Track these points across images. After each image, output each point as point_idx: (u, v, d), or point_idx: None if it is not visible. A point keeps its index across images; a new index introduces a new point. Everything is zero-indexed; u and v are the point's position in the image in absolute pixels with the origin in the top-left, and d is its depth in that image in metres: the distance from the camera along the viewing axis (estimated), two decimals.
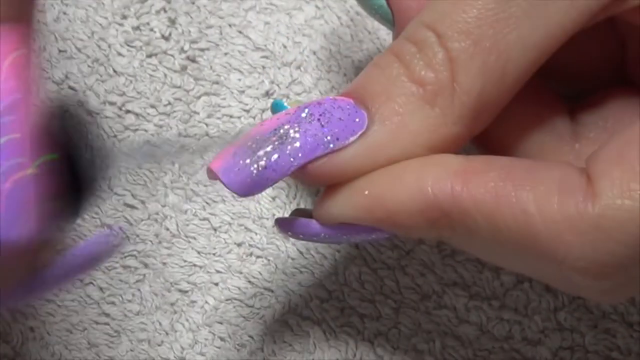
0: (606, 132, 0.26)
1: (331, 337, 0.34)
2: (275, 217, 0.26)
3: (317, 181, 0.24)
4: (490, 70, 0.23)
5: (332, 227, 0.25)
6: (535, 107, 0.27)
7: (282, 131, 0.24)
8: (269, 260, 0.34)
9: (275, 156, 0.23)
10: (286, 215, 0.35)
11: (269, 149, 0.23)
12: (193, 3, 0.36)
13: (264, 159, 0.23)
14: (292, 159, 0.23)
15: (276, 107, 0.26)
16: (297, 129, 0.24)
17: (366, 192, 0.24)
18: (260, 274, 0.34)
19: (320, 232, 0.25)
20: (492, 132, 0.25)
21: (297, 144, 0.23)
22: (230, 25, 0.36)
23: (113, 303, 0.34)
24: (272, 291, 0.34)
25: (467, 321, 0.33)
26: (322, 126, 0.24)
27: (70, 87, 0.36)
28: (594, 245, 0.22)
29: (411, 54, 0.24)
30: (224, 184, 0.23)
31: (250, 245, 0.34)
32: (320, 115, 0.24)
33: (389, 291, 0.34)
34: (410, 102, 0.24)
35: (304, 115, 0.24)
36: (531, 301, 0.33)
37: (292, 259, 0.34)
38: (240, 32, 0.36)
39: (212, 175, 0.24)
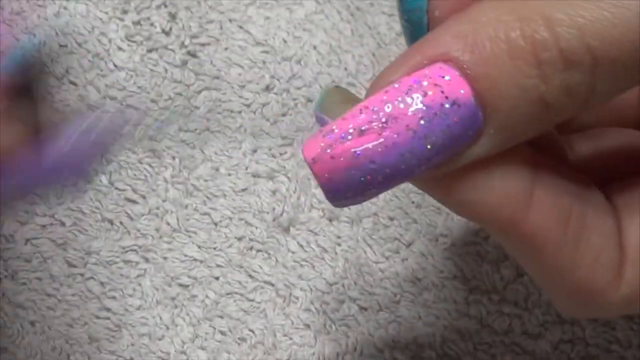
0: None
1: (331, 331, 0.34)
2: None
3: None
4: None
5: None
6: None
7: (396, 163, 0.21)
8: (269, 254, 0.34)
9: (376, 187, 0.21)
10: (286, 209, 0.35)
11: (373, 183, 0.21)
12: None
13: (366, 190, 0.21)
14: (391, 187, 0.21)
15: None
16: (410, 161, 0.21)
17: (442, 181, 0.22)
18: (261, 267, 0.34)
19: None
20: None
21: (402, 176, 0.21)
22: (230, 20, 0.36)
23: (114, 297, 0.34)
24: (273, 285, 0.34)
25: (467, 315, 0.33)
26: (436, 152, 0.21)
27: (71, 82, 0.36)
28: (602, 314, 0.24)
29: (556, 68, 0.20)
30: (324, 193, 0.21)
31: (251, 239, 0.35)
32: (440, 136, 0.21)
33: (389, 284, 0.34)
34: (531, 123, 0.21)
35: (423, 139, 0.21)
36: (531, 294, 0.33)
37: (292, 252, 0.34)
38: (240, 26, 0.36)
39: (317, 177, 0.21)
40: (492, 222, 0.22)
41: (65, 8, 0.36)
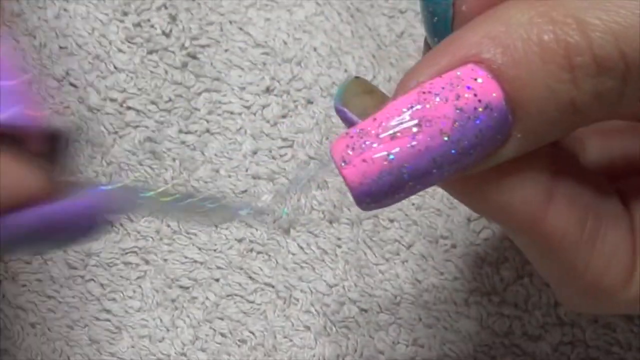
0: None
1: (332, 332, 0.34)
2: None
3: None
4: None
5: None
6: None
7: (428, 168, 0.20)
8: (269, 255, 0.34)
9: (405, 192, 0.21)
10: (287, 211, 0.35)
11: (402, 188, 0.21)
12: (193, 0, 0.36)
13: (394, 193, 0.21)
14: (422, 189, 0.21)
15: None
16: (442, 165, 0.20)
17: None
18: (261, 269, 0.34)
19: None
20: None
21: (433, 180, 0.21)
22: (230, 22, 0.36)
23: (114, 299, 0.34)
24: (273, 286, 0.34)
25: (468, 316, 0.33)
26: (467, 156, 0.20)
27: (71, 84, 0.36)
28: (602, 311, 0.24)
29: (585, 73, 0.20)
30: (353, 197, 0.21)
31: (251, 241, 0.35)
32: (472, 143, 0.20)
33: (389, 286, 0.34)
34: (558, 127, 0.21)
35: (456, 143, 0.20)
36: (531, 296, 0.33)
37: (293, 254, 0.34)
38: (240, 28, 0.36)
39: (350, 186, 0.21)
40: (513, 222, 0.22)
41: (65, 10, 0.36)
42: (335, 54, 0.36)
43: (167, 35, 0.36)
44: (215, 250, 0.35)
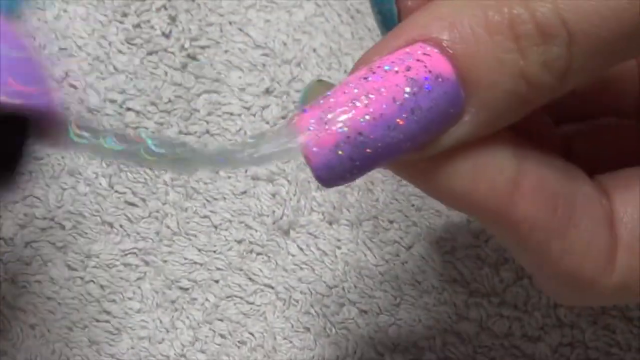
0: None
1: (331, 334, 0.34)
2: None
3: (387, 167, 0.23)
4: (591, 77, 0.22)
5: None
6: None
7: (383, 135, 0.21)
8: (269, 257, 0.34)
9: (365, 164, 0.21)
10: (286, 212, 0.35)
11: (361, 158, 0.21)
12: (193, 1, 0.36)
13: (355, 165, 0.21)
14: (384, 161, 0.21)
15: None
16: (398, 133, 0.21)
17: (423, 167, 0.22)
18: (261, 270, 0.34)
19: None
20: None
21: (391, 151, 0.21)
22: (230, 23, 0.36)
23: (114, 301, 0.34)
24: (273, 288, 0.34)
25: (467, 318, 0.33)
26: (423, 127, 0.21)
27: (71, 85, 0.36)
28: (592, 302, 0.24)
29: (533, 42, 0.20)
30: (313, 170, 0.21)
31: (251, 242, 0.35)
32: (427, 110, 0.21)
33: (389, 287, 0.34)
34: (514, 100, 0.21)
35: (410, 111, 0.21)
36: (531, 297, 0.33)
37: (292, 255, 0.34)
38: (240, 29, 0.36)
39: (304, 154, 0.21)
40: (479, 211, 0.22)
41: (65, 11, 0.36)
42: (335, 55, 0.36)
43: (166, 36, 0.36)
44: (214, 251, 0.35)
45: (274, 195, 0.35)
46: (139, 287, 0.34)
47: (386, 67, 0.21)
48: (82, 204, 0.35)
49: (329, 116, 0.21)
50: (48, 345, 0.34)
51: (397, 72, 0.21)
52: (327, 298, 0.34)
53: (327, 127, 0.21)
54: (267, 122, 0.35)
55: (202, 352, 0.34)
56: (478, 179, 0.22)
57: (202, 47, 0.36)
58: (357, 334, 0.34)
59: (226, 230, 0.35)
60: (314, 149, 0.21)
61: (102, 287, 0.34)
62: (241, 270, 0.34)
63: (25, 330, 0.34)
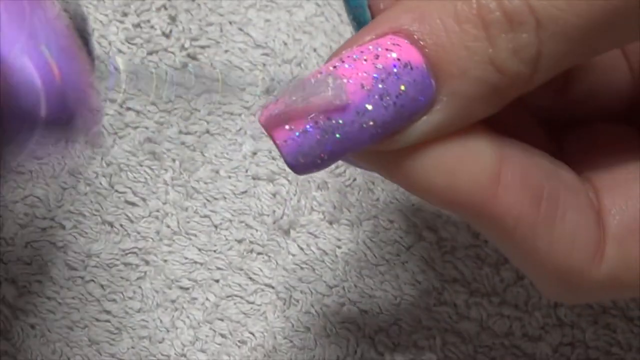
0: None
1: (332, 334, 0.34)
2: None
3: (360, 159, 0.23)
4: (566, 68, 0.22)
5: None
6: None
7: (353, 120, 0.21)
8: (269, 256, 0.34)
9: (337, 150, 0.21)
10: (287, 212, 0.35)
11: (331, 143, 0.21)
12: (193, 0, 0.36)
13: (326, 151, 0.21)
14: (349, 151, 0.22)
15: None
16: (367, 119, 0.21)
17: (401, 163, 0.22)
18: (261, 270, 0.34)
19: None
20: None
21: (363, 138, 0.21)
22: (230, 23, 0.36)
23: (114, 300, 0.34)
24: (273, 287, 0.34)
25: (468, 317, 0.33)
26: (394, 113, 0.21)
27: None
28: (584, 298, 0.23)
29: (501, 29, 0.21)
30: (282, 155, 0.22)
31: (251, 242, 0.35)
32: (397, 97, 0.21)
33: (389, 287, 0.34)
34: (485, 88, 0.21)
35: (379, 98, 0.21)
36: (531, 297, 0.33)
37: (293, 255, 0.34)
38: (240, 29, 0.36)
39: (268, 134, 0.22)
40: (460, 205, 0.22)
41: (65, 11, 0.36)
42: None
43: (167, 36, 0.36)
44: (215, 251, 0.35)
45: (274, 194, 0.35)
46: (139, 287, 0.34)
47: (355, 56, 0.21)
48: (82, 203, 0.35)
49: (296, 102, 0.21)
50: (48, 345, 0.34)
51: (365, 60, 0.21)
52: (328, 298, 0.34)
53: (294, 112, 0.21)
54: None
55: (203, 351, 0.34)
56: (458, 172, 0.22)
57: (202, 47, 0.36)
58: (357, 334, 0.34)
59: (226, 229, 0.35)
60: (284, 132, 0.21)
61: (102, 286, 0.34)
62: (241, 269, 0.34)
63: (25, 330, 0.34)
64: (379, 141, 0.21)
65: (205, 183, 0.35)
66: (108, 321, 0.34)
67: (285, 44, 0.36)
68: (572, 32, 0.20)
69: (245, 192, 0.35)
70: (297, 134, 0.21)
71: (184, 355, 0.34)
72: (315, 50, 0.36)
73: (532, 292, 0.33)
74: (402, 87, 0.21)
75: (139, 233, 0.35)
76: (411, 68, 0.21)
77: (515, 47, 0.21)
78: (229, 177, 0.35)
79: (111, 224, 0.35)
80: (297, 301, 0.34)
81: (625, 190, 0.23)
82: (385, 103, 0.21)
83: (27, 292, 0.35)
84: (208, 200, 0.35)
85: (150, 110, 0.35)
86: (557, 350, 0.33)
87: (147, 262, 0.35)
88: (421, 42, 0.21)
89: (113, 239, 0.35)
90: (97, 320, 0.34)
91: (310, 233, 0.34)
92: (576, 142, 0.26)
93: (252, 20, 0.36)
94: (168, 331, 0.34)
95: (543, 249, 0.22)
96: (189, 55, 0.36)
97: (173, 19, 0.36)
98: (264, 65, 0.36)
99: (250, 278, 0.34)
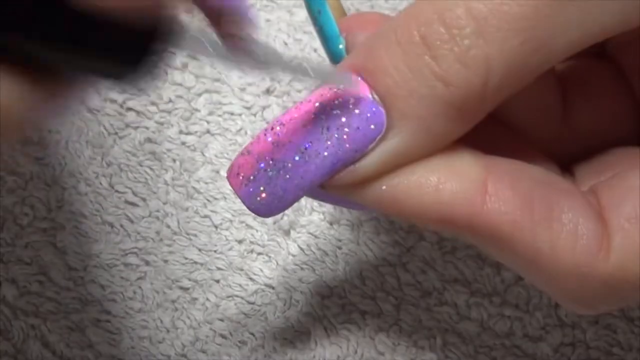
0: (589, 111, 0.26)
1: (332, 334, 0.34)
2: None
3: (336, 191, 0.23)
4: (525, 74, 0.21)
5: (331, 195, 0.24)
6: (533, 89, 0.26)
7: (298, 157, 0.22)
8: (269, 257, 0.34)
9: (290, 188, 0.22)
10: (287, 212, 0.35)
11: (282, 182, 0.22)
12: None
13: (280, 191, 0.22)
14: (306, 188, 0.22)
15: (313, 2, 0.25)
16: (312, 153, 0.22)
17: (383, 187, 0.22)
18: (261, 270, 0.34)
19: (320, 195, 0.25)
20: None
21: (311, 172, 0.22)
22: None
23: (114, 300, 0.34)
24: (273, 288, 0.34)
25: (468, 318, 0.33)
26: (340, 143, 0.22)
27: None
28: (596, 296, 0.23)
29: (441, 40, 0.21)
30: (245, 204, 0.23)
31: (251, 242, 0.34)
32: (338, 129, 0.22)
33: (390, 288, 0.34)
34: (436, 106, 0.21)
35: (320, 132, 0.22)
36: (532, 297, 0.33)
37: (293, 255, 0.34)
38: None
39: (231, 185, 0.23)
40: (451, 221, 0.22)
41: None
42: None
43: None
44: (215, 251, 0.35)
45: None
46: (140, 287, 0.34)
47: (301, 101, 0.22)
48: (82, 203, 0.35)
49: (248, 150, 0.23)
50: (49, 346, 0.34)
51: (309, 101, 0.22)
52: (328, 299, 0.34)
53: (247, 159, 0.23)
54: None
55: (203, 352, 0.34)
56: (443, 186, 0.22)
57: None
58: (357, 334, 0.34)
59: (227, 230, 0.35)
60: (237, 180, 0.23)
61: (102, 287, 0.34)
62: (242, 270, 0.34)
63: (26, 330, 0.34)
64: (337, 172, 0.22)
65: (206, 183, 0.35)
66: (108, 321, 0.34)
67: (286, 43, 0.36)
68: (516, 24, 0.20)
69: None
70: (250, 178, 0.22)
71: (184, 355, 0.34)
72: (315, 50, 0.36)
73: (532, 293, 0.33)
74: (343, 119, 0.22)
75: (139, 233, 0.35)
76: (354, 101, 0.22)
77: (459, 55, 0.21)
78: None
79: (111, 225, 0.35)
80: (298, 302, 0.34)
81: (622, 183, 0.23)
82: (327, 137, 0.22)
83: (27, 292, 0.35)
84: (208, 201, 0.35)
85: (151, 111, 0.35)
86: (557, 350, 0.33)
87: (147, 263, 0.35)
88: (366, 74, 0.22)
89: (113, 240, 0.35)
90: (97, 320, 0.34)
91: (311, 233, 0.34)
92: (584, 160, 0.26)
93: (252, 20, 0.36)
94: (168, 331, 0.34)
95: (545, 249, 0.22)
96: (189, 55, 0.36)
97: None
98: None
99: (251, 278, 0.34)
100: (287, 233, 0.34)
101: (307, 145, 0.22)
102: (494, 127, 0.25)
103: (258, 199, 0.23)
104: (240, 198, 0.23)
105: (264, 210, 0.23)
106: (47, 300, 0.34)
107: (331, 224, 0.34)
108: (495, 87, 0.21)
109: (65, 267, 0.35)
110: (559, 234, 0.22)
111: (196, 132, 0.35)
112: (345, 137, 0.22)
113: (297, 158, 0.22)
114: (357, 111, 0.22)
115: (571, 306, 0.24)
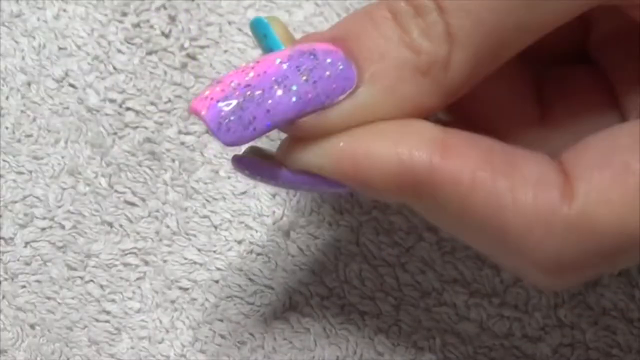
0: (569, 111, 0.27)
1: (331, 335, 0.34)
2: (234, 156, 0.25)
3: (298, 134, 0.24)
4: (485, 53, 0.23)
5: (294, 173, 0.24)
6: (505, 79, 0.27)
7: (271, 86, 0.23)
8: (269, 257, 0.34)
9: (260, 116, 0.23)
10: (287, 212, 0.35)
11: (253, 107, 0.23)
12: (193, 0, 0.36)
13: (250, 117, 0.23)
14: (275, 120, 0.23)
15: (257, 26, 0.25)
16: (286, 85, 0.23)
17: (341, 144, 0.23)
18: (261, 271, 0.34)
19: (282, 177, 0.24)
20: (462, 101, 0.25)
21: (283, 104, 0.23)
22: (229, 23, 0.36)
23: (113, 300, 0.34)
24: (273, 288, 0.34)
25: (468, 318, 0.33)
26: (312, 85, 0.23)
27: (70, 85, 0.36)
28: (561, 247, 0.22)
29: (408, 16, 0.23)
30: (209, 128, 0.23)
31: (251, 243, 0.34)
32: (311, 70, 0.23)
33: (389, 288, 0.34)
34: (404, 68, 0.23)
35: (294, 69, 0.23)
36: (531, 298, 0.33)
37: (293, 256, 0.34)
38: (239, 29, 0.36)
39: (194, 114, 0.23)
40: (412, 180, 0.22)
41: (64, 10, 0.36)
42: None
43: (166, 36, 0.36)
44: (214, 251, 0.35)
45: (274, 195, 0.35)
46: (139, 287, 0.34)
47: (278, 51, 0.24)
48: (81, 203, 0.35)
49: (221, 79, 0.23)
50: (48, 345, 0.34)
51: (285, 49, 0.24)
52: (327, 299, 0.34)
53: (217, 86, 0.23)
54: None
55: (202, 352, 0.34)
56: (400, 144, 0.23)
57: (202, 47, 0.36)
58: (357, 335, 0.34)
59: (226, 230, 0.35)
60: (205, 102, 0.22)
61: (101, 286, 0.34)
62: (241, 270, 0.34)
63: (25, 329, 0.34)
64: (305, 114, 0.23)
65: (205, 183, 0.35)
66: (107, 321, 0.34)
67: None
68: (475, 3, 0.22)
69: (245, 192, 0.35)
70: (218, 102, 0.22)
71: (183, 355, 0.34)
72: None
73: (532, 293, 0.33)
74: (319, 64, 0.23)
75: (138, 233, 0.35)
76: (328, 51, 0.23)
77: (424, 28, 0.23)
78: (229, 177, 0.35)
79: (111, 224, 0.35)
80: (297, 302, 0.34)
81: (582, 143, 0.23)
82: (301, 73, 0.23)
83: (26, 292, 0.35)
84: (208, 201, 0.35)
85: (150, 111, 0.35)
86: (557, 351, 0.33)
87: (146, 263, 0.35)
88: (341, 40, 0.23)
89: (112, 239, 0.35)
90: (97, 320, 0.34)
91: (310, 234, 0.34)
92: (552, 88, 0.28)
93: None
94: (168, 332, 0.34)
95: (507, 200, 0.22)
96: (188, 55, 0.36)
97: (172, 18, 0.36)
98: None
99: (250, 279, 0.34)
100: (286, 234, 0.34)
101: (280, 78, 0.23)
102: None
103: (226, 121, 0.22)
104: (205, 121, 0.22)
105: (229, 136, 0.23)
106: (47, 300, 0.34)
107: (331, 224, 0.34)
108: (465, 61, 0.23)
109: (65, 267, 0.35)
110: (520, 182, 0.22)
111: (195, 132, 0.35)
112: (316, 80, 0.23)
113: (270, 87, 0.23)
114: (328, 60, 0.23)
115: (537, 275, 0.23)
